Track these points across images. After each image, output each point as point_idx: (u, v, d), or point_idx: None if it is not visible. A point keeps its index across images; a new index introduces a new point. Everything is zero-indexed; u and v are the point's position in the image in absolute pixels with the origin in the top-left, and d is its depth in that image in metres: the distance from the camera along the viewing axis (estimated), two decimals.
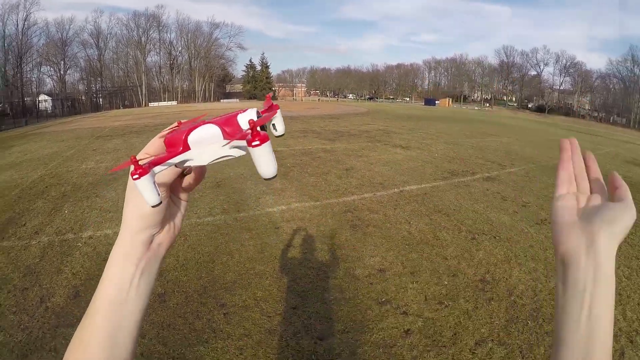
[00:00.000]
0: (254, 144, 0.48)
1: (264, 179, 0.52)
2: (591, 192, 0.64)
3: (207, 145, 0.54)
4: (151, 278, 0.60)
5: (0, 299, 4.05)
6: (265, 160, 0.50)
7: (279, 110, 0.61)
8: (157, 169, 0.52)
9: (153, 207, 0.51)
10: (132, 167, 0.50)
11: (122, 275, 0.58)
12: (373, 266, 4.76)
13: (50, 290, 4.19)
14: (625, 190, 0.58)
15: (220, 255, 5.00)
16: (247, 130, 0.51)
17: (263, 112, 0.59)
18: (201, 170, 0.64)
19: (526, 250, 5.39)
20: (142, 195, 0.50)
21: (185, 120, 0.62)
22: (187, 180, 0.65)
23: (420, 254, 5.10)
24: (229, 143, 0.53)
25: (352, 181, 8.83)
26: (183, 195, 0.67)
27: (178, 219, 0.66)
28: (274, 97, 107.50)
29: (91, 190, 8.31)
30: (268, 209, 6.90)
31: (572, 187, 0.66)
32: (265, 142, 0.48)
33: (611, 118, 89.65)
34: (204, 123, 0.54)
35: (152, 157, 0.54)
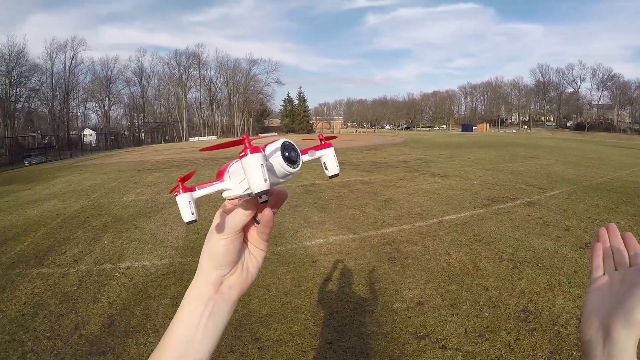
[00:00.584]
0: (240, 154, 0.51)
1: (254, 193, 0.51)
2: (630, 265, 0.63)
3: (240, 174, 0.55)
4: (220, 320, 0.61)
5: (35, 324, 4.11)
6: (250, 174, 0.50)
7: (330, 148, 0.65)
8: (196, 193, 0.56)
9: (187, 223, 0.54)
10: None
11: (190, 315, 0.60)
12: (411, 299, 4.60)
13: (86, 318, 4.22)
14: None
15: (256, 289, 4.94)
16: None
17: (311, 149, 0.64)
18: (269, 218, 0.63)
19: (570, 276, 5.12)
20: (180, 212, 0.54)
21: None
22: (260, 228, 0.65)
23: (460, 285, 4.90)
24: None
25: (391, 213, 8.69)
26: (260, 244, 0.68)
27: (253, 266, 0.67)
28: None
29: (131, 222, 8.49)
30: (306, 242, 6.84)
31: (608, 266, 0.67)
32: (254, 153, 0.50)
33: None
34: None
35: (202, 184, 0.58)
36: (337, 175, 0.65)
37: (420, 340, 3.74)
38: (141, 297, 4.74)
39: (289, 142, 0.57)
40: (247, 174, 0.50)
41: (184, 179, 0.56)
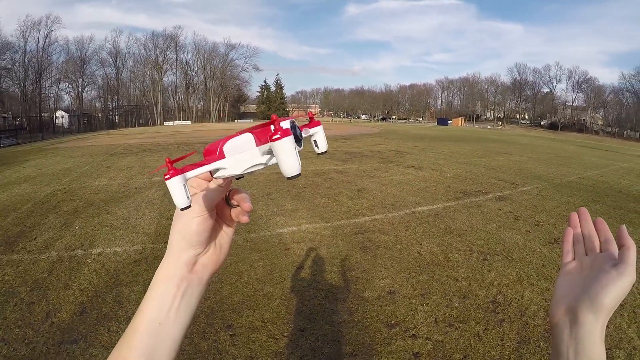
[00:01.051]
0: (274, 137, 0.49)
1: (287, 177, 0.51)
2: (600, 251, 0.65)
3: (240, 153, 0.54)
4: (193, 300, 0.60)
5: (6, 312, 4.04)
6: (286, 157, 0.49)
7: (320, 126, 0.64)
8: (189, 174, 0.53)
9: (182, 209, 0.51)
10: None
11: (162, 296, 0.58)
12: (383, 288, 4.68)
13: (57, 306, 4.17)
14: (627, 251, 0.60)
15: (229, 276, 4.94)
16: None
17: (302, 127, 0.61)
18: (249, 207, 0.63)
19: (539, 270, 5.29)
20: (172, 197, 0.51)
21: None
22: (235, 212, 0.65)
23: (431, 276, 5.01)
24: (260, 148, 0.54)
25: (364, 202, 8.77)
26: (230, 222, 0.67)
27: (225, 242, 0.66)
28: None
29: (103, 207, 8.36)
30: (278, 229, 6.86)
31: (579, 252, 0.68)
32: (286, 136, 0.49)
33: (624, 133, 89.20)
34: (241, 132, 0.55)
35: (193, 164, 0.55)
36: (326, 152, 0.66)
37: (391, 328, 3.82)
38: (113, 283, 4.70)
39: (294, 121, 0.55)
40: (282, 157, 0.49)
41: (173, 161, 0.52)
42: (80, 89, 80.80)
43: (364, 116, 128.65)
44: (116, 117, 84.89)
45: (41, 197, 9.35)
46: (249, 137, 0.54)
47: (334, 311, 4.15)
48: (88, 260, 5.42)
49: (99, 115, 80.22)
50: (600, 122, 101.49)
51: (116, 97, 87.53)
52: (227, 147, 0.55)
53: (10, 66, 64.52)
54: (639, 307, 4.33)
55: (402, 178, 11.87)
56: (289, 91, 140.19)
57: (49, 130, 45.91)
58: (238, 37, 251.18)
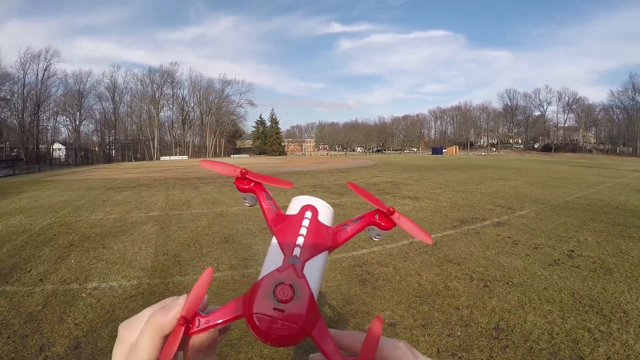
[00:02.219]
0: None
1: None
2: None
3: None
4: None
5: None
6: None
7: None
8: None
9: None
10: None
11: None
12: (383, 320, 4.60)
13: (51, 340, 4.08)
14: None
15: None
16: None
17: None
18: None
19: (540, 293, 5.23)
20: None
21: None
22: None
23: (432, 306, 4.94)
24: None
25: (361, 235, 8.71)
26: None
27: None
28: (283, 152, 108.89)
29: (99, 241, 8.29)
30: None
31: None
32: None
33: (617, 149, 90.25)
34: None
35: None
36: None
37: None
38: (108, 318, 4.62)
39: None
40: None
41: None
42: (77, 123, 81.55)
43: (359, 149, 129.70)
44: (113, 151, 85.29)
45: (37, 229, 9.28)
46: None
47: None
48: (83, 295, 5.34)
49: (96, 148, 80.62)
50: (592, 140, 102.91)
51: (113, 131, 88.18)
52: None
53: (9, 97, 65.28)
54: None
55: (398, 209, 11.61)
56: (284, 126, 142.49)
57: (45, 162, 46.10)
58: (233, 73, 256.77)
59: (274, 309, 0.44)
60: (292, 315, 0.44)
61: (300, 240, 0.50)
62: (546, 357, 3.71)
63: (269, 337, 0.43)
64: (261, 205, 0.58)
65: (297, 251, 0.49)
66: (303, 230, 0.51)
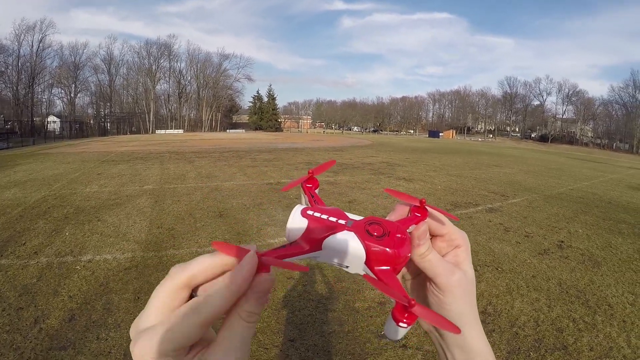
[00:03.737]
0: (401, 324, 0.48)
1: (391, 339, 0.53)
2: None
3: (338, 253, 0.49)
4: None
5: None
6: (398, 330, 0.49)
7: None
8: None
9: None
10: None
11: None
12: (373, 299, 4.68)
13: (46, 312, 4.14)
14: None
15: None
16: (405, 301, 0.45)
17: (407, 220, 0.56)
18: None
19: (528, 280, 5.34)
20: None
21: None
22: None
23: None
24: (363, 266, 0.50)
25: (355, 214, 8.75)
26: None
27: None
28: (279, 129, 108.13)
29: (93, 214, 8.31)
30: (269, 240, 6.85)
31: None
32: (412, 324, 0.47)
33: (614, 144, 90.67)
34: (345, 228, 0.50)
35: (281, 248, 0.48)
36: None
37: (382, 339, 3.83)
38: (102, 291, 4.67)
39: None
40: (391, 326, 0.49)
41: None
42: (72, 95, 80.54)
43: (355, 128, 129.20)
44: (108, 124, 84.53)
45: (31, 202, 9.28)
46: (361, 254, 0.48)
47: (325, 321, 4.15)
48: (78, 267, 5.39)
49: (91, 121, 79.88)
50: (590, 134, 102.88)
51: (109, 104, 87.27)
52: (330, 244, 0.49)
53: (3, 69, 64.34)
54: (628, 316, 4.39)
55: (393, 189, 11.88)
56: (281, 102, 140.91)
57: (40, 135, 45.69)
58: (232, 47, 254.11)
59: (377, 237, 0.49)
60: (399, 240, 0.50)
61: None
62: (530, 343, 3.81)
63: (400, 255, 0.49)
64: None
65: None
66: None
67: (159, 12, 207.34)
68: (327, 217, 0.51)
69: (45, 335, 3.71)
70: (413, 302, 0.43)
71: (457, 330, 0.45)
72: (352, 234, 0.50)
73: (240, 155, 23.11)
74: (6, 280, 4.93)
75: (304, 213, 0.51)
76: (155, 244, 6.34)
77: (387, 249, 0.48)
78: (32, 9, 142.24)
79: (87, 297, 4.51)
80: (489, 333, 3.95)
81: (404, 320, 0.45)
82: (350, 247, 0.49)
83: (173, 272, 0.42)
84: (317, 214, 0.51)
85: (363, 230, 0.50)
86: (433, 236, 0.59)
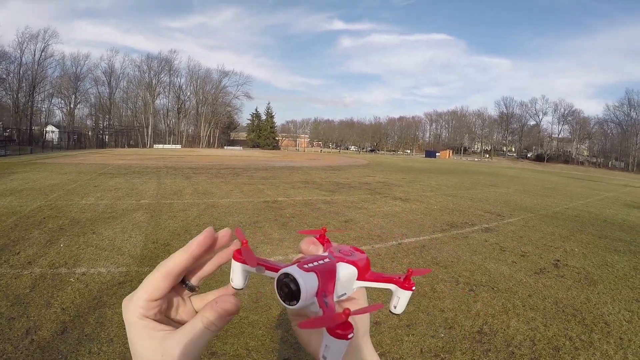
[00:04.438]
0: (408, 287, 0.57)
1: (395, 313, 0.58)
2: None
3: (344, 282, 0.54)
4: None
5: None
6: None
7: (409, 292, 0.58)
8: (250, 268, 0.58)
9: (235, 289, 0.56)
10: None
11: None
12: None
13: (38, 323, 4.09)
14: None
15: None
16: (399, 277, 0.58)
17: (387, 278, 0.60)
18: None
19: (525, 300, 5.32)
20: (233, 275, 0.57)
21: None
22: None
23: (417, 307, 5.00)
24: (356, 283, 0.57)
25: (351, 233, 8.75)
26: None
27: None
28: (277, 147, 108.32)
29: (89, 226, 8.27)
30: (265, 258, 6.81)
31: None
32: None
33: (609, 163, 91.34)
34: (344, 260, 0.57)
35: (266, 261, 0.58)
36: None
37: None
38: (96, 304, 4.63)
39: (285, 276, 0.48)
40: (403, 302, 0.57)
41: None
42: (72, 106, 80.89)
43: (352, 147, 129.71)
44: (106, 136, 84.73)
45: (27, 211, 9.24)
46: (353, 271, 0.56)
47: None
48: (71, 279, 5.34)
49: (90, 133, 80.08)
50: (585, 153, 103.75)
51: (108, 116, 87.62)
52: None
53: (4, 76, 64.64)
54: (625, 333, 4.38)
55: (389, 210, 11.90)
56: (279, 120, 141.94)
57: (38, 144, 45.81)
58: (232, 64, 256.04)
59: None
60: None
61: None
62: None
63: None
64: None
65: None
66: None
67: (162, 27, 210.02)
68: (318, 262, 0.52)
69: (36, 347, 3.66)
70: (348, 311, 0.44)
71: (380, 305, 0.50)
72: (339, 263, 0.56)
73: (237, 173, 23.12)
74: None
75: (301, 267, 0.49)
76: (150, 259, 6.30)
77: (366, 256, 0.58)
78: (36, 17, 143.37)
79: (80, 310, 4.46)
80: (484, 353, 3.92)
81: (350, 331, 0.44)
82: (350, 270, 0.56)
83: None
84: (311, 264, 0.51)
85: (341, 257, 0.57)
86: None
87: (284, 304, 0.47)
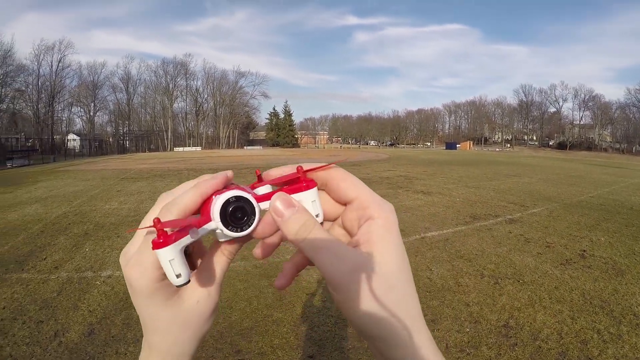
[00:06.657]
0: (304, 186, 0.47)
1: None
2: None
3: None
4: None
5: (14, 329, 4.06)
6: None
7: (310, 191, 0.49)
8: (185, 240, 0.40)
9: (178, 286, 0.40)
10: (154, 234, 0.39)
11: None
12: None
13: (66, 326, 4.17)
14: None
15: (238, 302, 4.92)
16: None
17: (278, 191, 0.48)
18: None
19: (551, 292, 5.21)
20: (165, 271, 0.39)
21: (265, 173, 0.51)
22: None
23: (442, 301, 4.94)
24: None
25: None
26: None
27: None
28: (297, 145, 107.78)
29: (113, 230, 8.40)
30: (288, 256, 6.78)
31: None
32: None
33: (633, 148, 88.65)
34: (236, 188, 0.44)
35: (182, 220, 0.42)
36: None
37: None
38: (122, 306, 4.70)
39: (235, 197, 0.43)
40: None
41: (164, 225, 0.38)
42: (92, 114, 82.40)
43: (372, 142, 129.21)
44: (127, 142, 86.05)
45: (52, 218, 9.43)
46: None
47: (344, 337, 4.09)
48: (97, 282, 5.44)
49: (110, 139, 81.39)
50: (608, 139, 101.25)
51: (127, 122, 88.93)
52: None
53: (23, 88, 66.09)
54: None
55: (411, 203, 11.80)
56: (297, 118, 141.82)
57: (60, 153, 46.74)
58: (247, 65, 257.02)
59: None
60: None
61: None
62: (554, 356, 3.70)
63: None
64: None
65: None
66: None
67: (176, 31, 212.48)
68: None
69: (64, 349, 3.73)
70: (300, 167, 0.47)
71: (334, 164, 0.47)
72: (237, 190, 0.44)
73: None
74: (27, 293, 5.00)
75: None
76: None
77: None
78: (51, 29, 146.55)
79: (107, 312, 4.53)
80: (511, 347, 3.86)
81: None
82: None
83: (160, 200, 0.46)
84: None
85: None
86: (343, 203, 0.50)
87: (234, 233, 0.43)
